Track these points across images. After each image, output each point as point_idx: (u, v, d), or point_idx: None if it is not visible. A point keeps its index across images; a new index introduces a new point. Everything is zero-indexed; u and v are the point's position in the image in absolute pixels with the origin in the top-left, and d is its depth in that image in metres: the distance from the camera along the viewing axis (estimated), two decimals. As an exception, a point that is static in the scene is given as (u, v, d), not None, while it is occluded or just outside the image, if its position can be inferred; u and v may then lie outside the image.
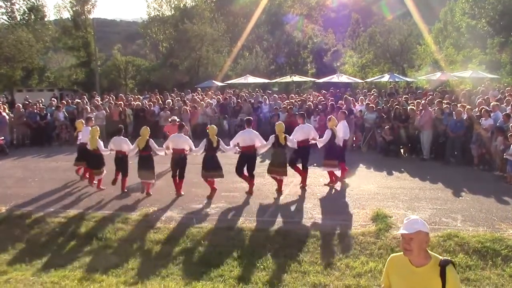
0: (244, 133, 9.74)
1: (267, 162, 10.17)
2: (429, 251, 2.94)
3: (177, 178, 9.77)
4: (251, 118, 10.62)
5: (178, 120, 12.37)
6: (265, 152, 10.32)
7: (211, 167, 9.44)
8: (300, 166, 10.17)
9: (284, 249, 7.00)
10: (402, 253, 3.00)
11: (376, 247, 6.86)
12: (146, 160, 9.78)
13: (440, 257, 2.89)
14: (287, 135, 9.62)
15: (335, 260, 6.57)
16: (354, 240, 7.10)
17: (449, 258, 2.90)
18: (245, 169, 9.71)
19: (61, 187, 10.96)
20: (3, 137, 16.01)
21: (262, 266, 6.46)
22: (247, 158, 9.62)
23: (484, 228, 7.34)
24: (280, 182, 9.87)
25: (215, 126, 9.80)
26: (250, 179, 9.76)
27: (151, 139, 9.85)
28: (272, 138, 9.66)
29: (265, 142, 9.72)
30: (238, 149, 9.66)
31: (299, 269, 6.36)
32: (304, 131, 9.96)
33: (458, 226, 7.45)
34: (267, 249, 6.99)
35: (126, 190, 10.20)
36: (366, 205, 8.75)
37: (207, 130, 9.68)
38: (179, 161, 9.70)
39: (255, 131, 9.88)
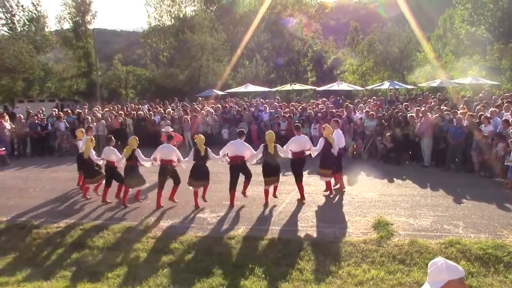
0: (233, 144, 9.71)
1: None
2: None
3: (162, 189, 9.75)
4: (243, 129, 10.51)
5: (171, 130, 12.30)
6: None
7: (198, 177, 9.48)
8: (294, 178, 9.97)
9: (286, 257, 6.97)
10: None
11: (378, 254, 6.83)
12: (131, 170, 9.82)
13: None
14: (277, 145, 9.58)
15: (337, 268, 6.54)
16: (356, 248, 7.07)
17: None
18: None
19: (62, 197, 10.96)
20: (4, 148, 16.06)
21: (263, 275, 6.43)
22: (237, 169, 9.57)
23: (486, 234, 7.32)
24: (274, 189, 9.81)
25: (202, 136, 9.77)
26: (245, 183, 9.78)
27: (137, 149, 9.83)
28: (261, 147, 9.63)
29: (255, 152, 9.70)
30: (228, 159, 9.63)
31: (301, 278, 6.33)
32: (299, 143, 9.78)
33: (460, 233, 7.44)
34: (268, 258, 6.98)
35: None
36: (368, 213, 8.74)
37: (195, 140, 9.68)
38: (166, 172, 9.71)
39: (246, 143, 9.79)
